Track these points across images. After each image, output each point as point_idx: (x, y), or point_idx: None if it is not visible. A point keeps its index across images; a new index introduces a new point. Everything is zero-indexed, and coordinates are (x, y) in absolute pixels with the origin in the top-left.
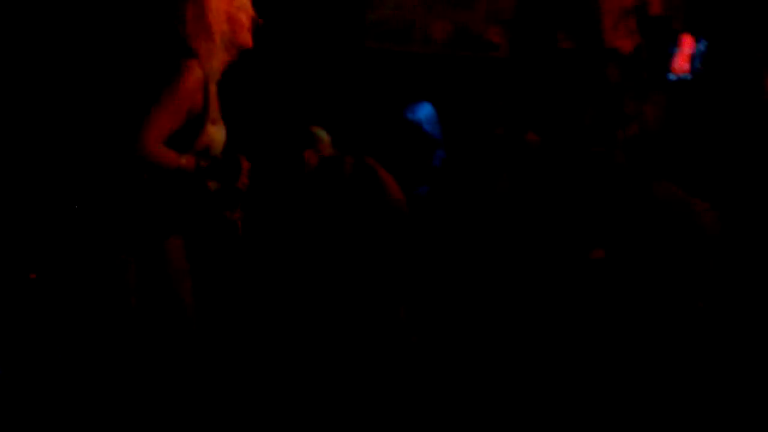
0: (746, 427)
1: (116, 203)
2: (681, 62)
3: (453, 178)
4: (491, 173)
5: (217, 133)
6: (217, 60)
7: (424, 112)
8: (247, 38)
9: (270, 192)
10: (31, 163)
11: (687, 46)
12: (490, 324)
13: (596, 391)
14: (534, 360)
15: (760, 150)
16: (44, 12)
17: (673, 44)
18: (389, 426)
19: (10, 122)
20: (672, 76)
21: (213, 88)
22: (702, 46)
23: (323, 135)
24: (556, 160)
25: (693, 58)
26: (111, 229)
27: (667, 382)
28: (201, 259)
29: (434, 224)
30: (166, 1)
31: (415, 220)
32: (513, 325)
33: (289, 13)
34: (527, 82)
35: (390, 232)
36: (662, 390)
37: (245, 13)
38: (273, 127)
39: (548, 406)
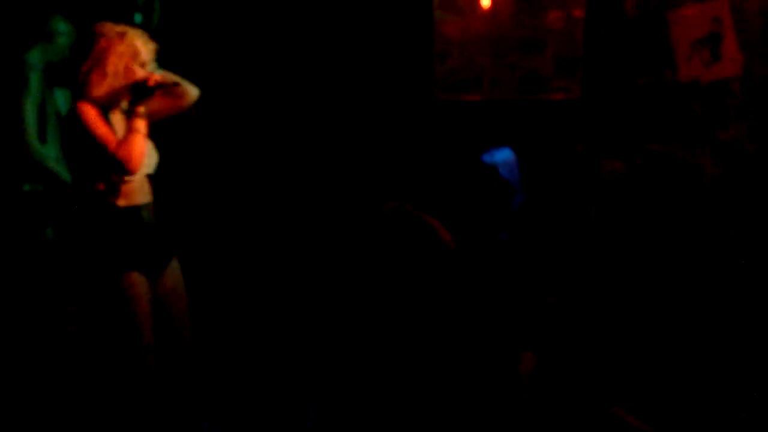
0: None
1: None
2: None
3: (534, 221)
4: (574, 208)
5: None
6: (107, 90)
7: (501, 156)
8: (134, 79)
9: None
10: None
11: None
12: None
13: None
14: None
15: None
16: None
17: None
18: None
19: None
20: None
21: (116, 116)
22: None
23: None
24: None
25: None
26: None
27: None
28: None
29: (519, 267)
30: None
31: (495, 266)
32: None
33: (357, 69)
34: (602, 121)
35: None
36: None
37: (144, 72)
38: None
39: None
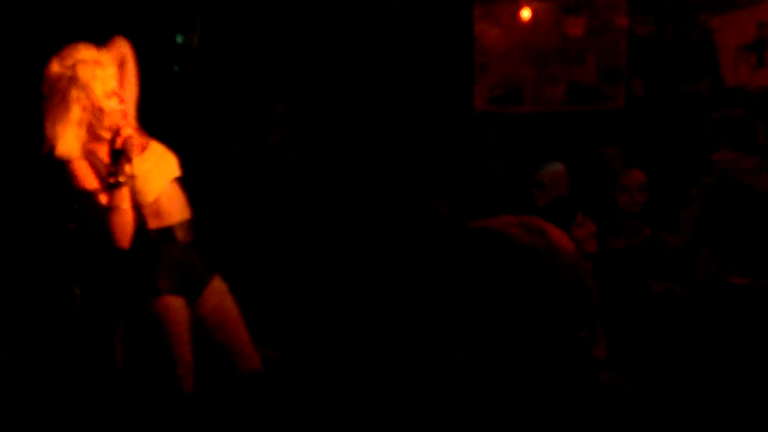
0: None
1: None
2: None
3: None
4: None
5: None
6: (77, 139)
7: (551, 168)
8: (114, 120)
9: None
10: None
11: None
12: None
13: None
14: None
15: None
16: None
17: None
18: None
19: None
20: None
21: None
22: None
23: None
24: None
25: None
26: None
27: None
28: None
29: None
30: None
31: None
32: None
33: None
34: (647, 130)
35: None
36: None
37: (114, 99)
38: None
39: None
